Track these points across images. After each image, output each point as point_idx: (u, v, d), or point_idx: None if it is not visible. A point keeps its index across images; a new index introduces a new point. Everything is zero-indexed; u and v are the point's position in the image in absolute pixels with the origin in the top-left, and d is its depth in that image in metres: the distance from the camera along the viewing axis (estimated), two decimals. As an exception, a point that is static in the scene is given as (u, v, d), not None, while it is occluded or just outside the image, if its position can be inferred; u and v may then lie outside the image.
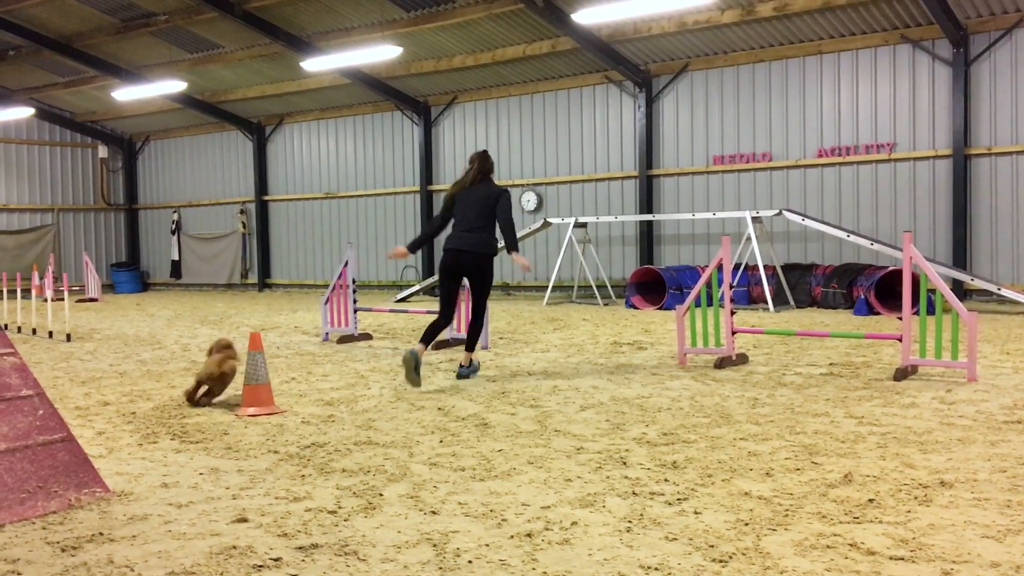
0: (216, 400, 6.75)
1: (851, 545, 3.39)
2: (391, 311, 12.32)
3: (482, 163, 7.73)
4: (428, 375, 8.02)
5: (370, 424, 5.90)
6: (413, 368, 7.12)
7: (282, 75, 21.19)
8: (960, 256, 14.96)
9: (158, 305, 19.36)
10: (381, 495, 4.21)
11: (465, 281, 8.00)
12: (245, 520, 3.87)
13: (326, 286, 21.40)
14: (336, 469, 4.72)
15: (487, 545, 3.49)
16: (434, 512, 3.93)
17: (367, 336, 11.20)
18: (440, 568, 3.26)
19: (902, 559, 3.24)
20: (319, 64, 18.35)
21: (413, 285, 19.90)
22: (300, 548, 3.51)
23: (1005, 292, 13.14)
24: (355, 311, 10.96)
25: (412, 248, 7.97)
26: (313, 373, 8.35)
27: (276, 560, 3.38)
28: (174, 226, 26.30)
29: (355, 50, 17.62)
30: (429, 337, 7.66)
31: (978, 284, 13.56)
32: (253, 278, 24.81)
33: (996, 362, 8.13)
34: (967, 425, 5.48)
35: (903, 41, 15.36)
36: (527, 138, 19.82)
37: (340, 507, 4.04)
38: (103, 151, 26.66)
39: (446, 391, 7.15)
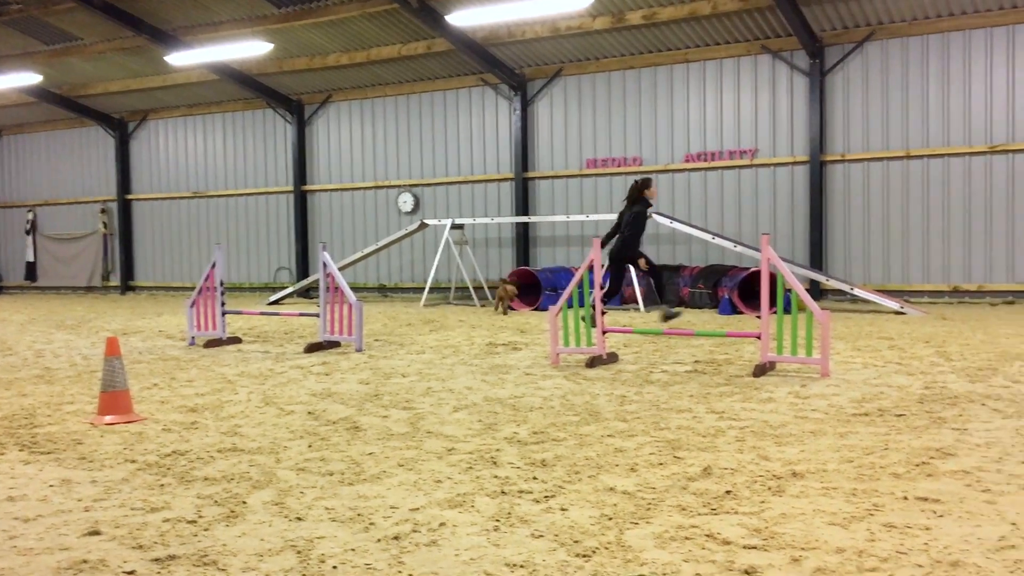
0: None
1: (708, 536, 3.52)
2: (261, 314, 12.02)
3: (633, 189, 9.94)
4: (299, 379, 7.87)
5: (235, 430, 5.74)
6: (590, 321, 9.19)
7: (146, 69, 20.38)
8: (816, 258, 15.74)
9: (10, 309, 18.28)
10: (244, 503, 4.10)
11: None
12: (98, 533, 3.70)
13: (193, 288, 20.77)
14: (198, 477, 4.57)
15: (353, 550, 3.45)
16: (299, 518, 3.86)
17: (236, 340, 10.90)
18: (303, 575, 3.20)
19: (755, 547, 3.38)
20: (185, 59, 17.75)
21: (287, 287, 19.48)
22: (156, 560, 3.38)
23: (857, 292, 13.91)
24: (223, 314, 10.64)
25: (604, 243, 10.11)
26: (177, 379, 8.06)
27: (130, 573, 3.24)
28: (29, 226, 24.92)
29: (223, 45, 17.13)
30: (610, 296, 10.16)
31: (833, 284, 14.31)
32: (115, 280, 23.78)
33: (848, 358, 8.59)
34: (819, 418, 5.77)
35: (764, 52, 16.05)
36: (403, 139, 19.70)
37: (200, 516, 3.91)
38: (-51, 146, 25.05)
39: (317, 395, 7.03)
